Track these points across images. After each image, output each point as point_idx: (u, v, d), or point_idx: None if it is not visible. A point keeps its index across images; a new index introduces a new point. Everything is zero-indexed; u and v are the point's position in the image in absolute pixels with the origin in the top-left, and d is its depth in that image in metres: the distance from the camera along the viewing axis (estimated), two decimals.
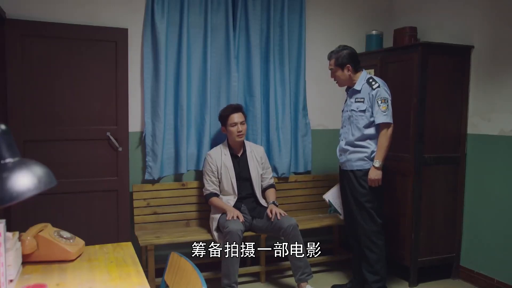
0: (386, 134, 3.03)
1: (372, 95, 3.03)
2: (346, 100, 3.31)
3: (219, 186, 3.49)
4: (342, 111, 3.35)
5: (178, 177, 3.79)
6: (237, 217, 3.28)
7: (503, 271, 3.35)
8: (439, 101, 3.53)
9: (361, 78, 3.14)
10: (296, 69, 4.04)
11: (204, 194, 3.52)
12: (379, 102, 3.00)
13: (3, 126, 1.01)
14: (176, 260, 1.83)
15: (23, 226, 1.90)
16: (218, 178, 3.48)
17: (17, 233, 1.71)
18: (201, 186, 3.62)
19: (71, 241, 1.88)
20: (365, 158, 3.11)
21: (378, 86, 3.03)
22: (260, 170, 3.59)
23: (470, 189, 3.61)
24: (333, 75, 3.19)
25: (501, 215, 3.36)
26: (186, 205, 3.74)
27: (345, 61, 3.10)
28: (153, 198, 3.64)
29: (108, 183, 3.45)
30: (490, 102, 3.45)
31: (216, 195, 3.47)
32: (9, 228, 1.58)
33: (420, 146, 3.46)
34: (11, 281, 1.56)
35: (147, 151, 3.59)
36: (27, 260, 1.77)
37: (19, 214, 3.14)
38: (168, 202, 3.68)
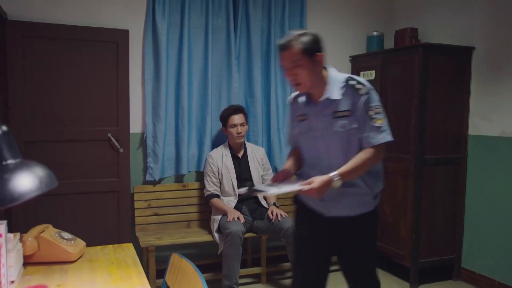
0: (377, 155, 1.97)
1: (361, 104, 1.95)
2: (300, 116, 2.12)
3: (220, 187, 3.49)
4: (298, 134, 2.15)
5: (179, 178, 3.79)
6: (238, 218, 3.28)
7: (504, 272, 3.34)
8: (440, 102, 3.53)
9: (333, 80, 2.02)
10: None
11: (205, 195, 3.52)
12: (372, 114, 1.95)
13: (4, 127, 1.01)
14: (177, 261, 1.83)
15: (24, 227, 1.90)
16: (219, 179, 3.48)
17: (18, 234, 1.71)
18: (202, 187, 3.62)
19: (72, 242, 1.88)
20: (370, 199, 2.08)
21: (368, 92, 1.96)
22: (261, 171, 3.59)
23: (471, 190, 3.61)
24: (294, 72, 1.97)
25: (502, 216, 3.35)
26: (187, 206, 3.73)
27: (317, 47, 1.98)
28: (154, 199, 3.64)
29: (109, 184, 3.46)
30: (491, 103, 3.45)
31: (217, 196, 3.47)
32: (10, 229, 1.58)
33: (421, 147, 3.46)
34: (12, 282, 1.56)
35: (148, 152, 3.59)
36: (28, 261, 1.77)
37: (20, 215, 3.14)
38: (169, 203, 3.68)
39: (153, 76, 3.57)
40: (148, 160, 3.59)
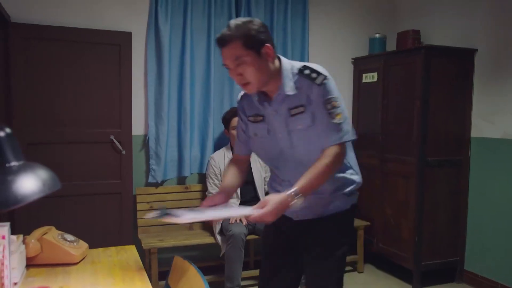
0: (339, 156, 1.67)
1: (316, 96, 1.66)
2: (254, 117, 1.83)
3: None
4: (254, 137, 1.86)
5: (181, 180, 3.79)
6: (240, 220, 3.28)
7: (507, 274, 3.33)
8: (442, 104, 3.52)
9: (288, 72, 1.71)
10: None
11: (207, 197, 3.51)
12: (330, 108, 1.66)
13: (7, 130, 1.01)
14: (179, 263, 1.83)
15: (27, 229, 1.91)
16: (221, 181, 3.48)
17: (21, 236, 1.71)
18: (205, 189, 3.62)
19: (75, 244, 1.88)
20: (344, 197, 1.84)
21: (323, 82, 1.65)
22: (263, 173, 3.59)
23: (474, 192, 3.60)
24: (239, 70, 1.63)
25: (505, 219, 3.34)
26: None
27: (263, 37, 1.63)
28: (157, 201, 3.64)
29: (111, 186, 3.46)
30: (494, 105, 3.44)
31: None
32: (13, 231, 1.58)
33: (423, 148, 3.45)
34: (15, 283, 1.56)
35: (150, 154, 3.60)
36: (31, 263, 1.78)
37: (23, 217, 3.14)
38: (172, 205, 3.67)
39: (156, 78, 3.57)
40: (150, 162, 3.60)
